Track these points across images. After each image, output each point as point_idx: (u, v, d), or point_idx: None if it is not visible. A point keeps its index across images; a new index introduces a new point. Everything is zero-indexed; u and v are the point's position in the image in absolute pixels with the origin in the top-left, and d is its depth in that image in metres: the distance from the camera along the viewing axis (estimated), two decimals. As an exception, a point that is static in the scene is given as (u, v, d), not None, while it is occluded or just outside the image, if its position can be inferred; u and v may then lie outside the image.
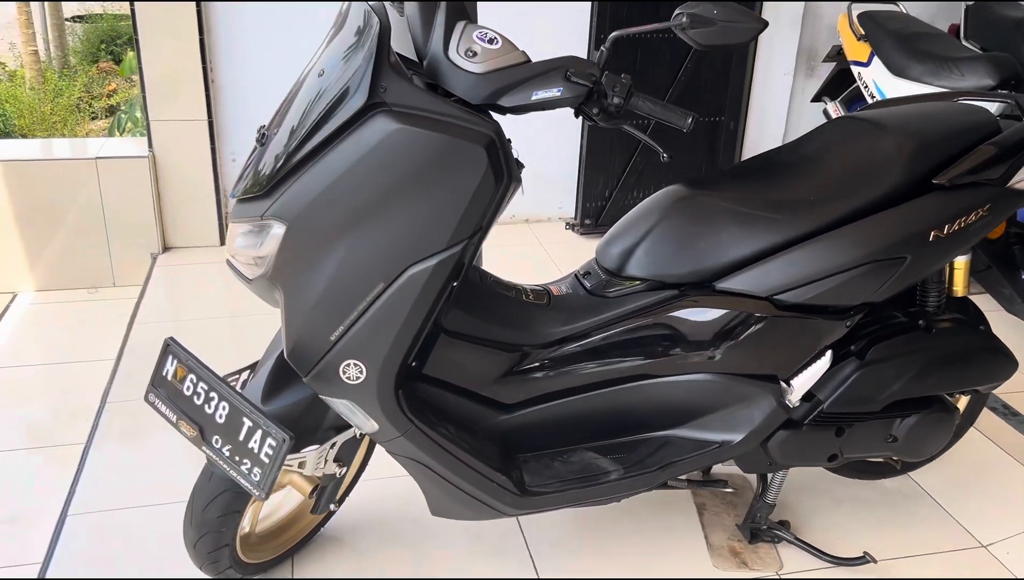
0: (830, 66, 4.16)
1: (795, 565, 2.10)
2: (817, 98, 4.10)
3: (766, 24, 1.61)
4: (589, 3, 3.80)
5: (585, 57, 1.71)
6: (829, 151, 1.95)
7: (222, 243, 3.85)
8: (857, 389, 1.90)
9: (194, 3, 3.47)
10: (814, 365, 1.88)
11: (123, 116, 4.85)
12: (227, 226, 3.83)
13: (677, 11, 1.58)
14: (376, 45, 1.48)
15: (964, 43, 3.61)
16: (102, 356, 3.06)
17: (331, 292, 1.57)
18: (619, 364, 1.86)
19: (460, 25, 1.61)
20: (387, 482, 2.27)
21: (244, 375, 1.83)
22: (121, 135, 4.82)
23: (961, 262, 2.00)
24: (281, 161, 1.56)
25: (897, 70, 3.46)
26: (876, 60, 3.53)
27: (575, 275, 1.99)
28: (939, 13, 4.31)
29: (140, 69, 3.56)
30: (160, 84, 3.56)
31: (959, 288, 2.03)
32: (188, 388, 1.63)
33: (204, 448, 1.62)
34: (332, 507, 1.92)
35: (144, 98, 3.60)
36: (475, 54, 1.57)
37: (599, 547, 2.15)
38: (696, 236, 1.85)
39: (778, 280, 1.80)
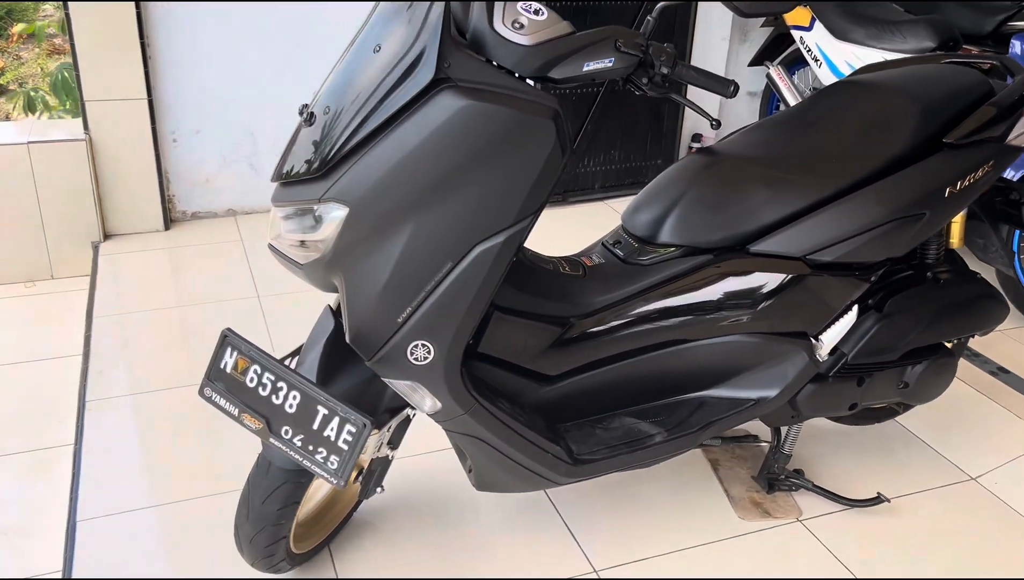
0: (763, 32, 4.30)
1: (813, 510, 2.21)
2: (755, 62, 4.22)
3: (808, -7, 1.66)
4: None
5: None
6: (841, 114, 2.03)
7: (166, 228, 3.68)
8: (877, 340, 2.01)
9: (130, -26, 3.28)
10: (842, 320, 1.97)
11: (32, 95, 4.52)
12: (173, 209, 3.68)
13: (723, -19, 1.61)
14: (443, 22, 1.45)
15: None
16: (60, 353, 2.90)
17: (398, 273, 1.54)
18: (657, 330, 1.89)
19: (501, -3, 1.59)
20: (409, 460, 2.26)
21: (290, 363, 1.77)
22: (37, 117, 4.50)
23: (958, 216, 2.13)
24: (340, 141, 1.51)
25: (840, 34, 3.61)
26: (818, 24, 3.67)
27: (603, 244, 2.01)
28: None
29: (72, 46, 3.34)
30: (94, 61, 3.34)
31: (955, 240, 2.16)
32: (252, 379, 1.57)
33: (272, 440, 1.56)
34: (379, 490, 1.90)
35: (78, 77, 3.38)
36: (522, 26, 1.55)
37: (628, 508, 2.20)
38: (727, 201, 1.89)
39: (810, 241, 1.88)
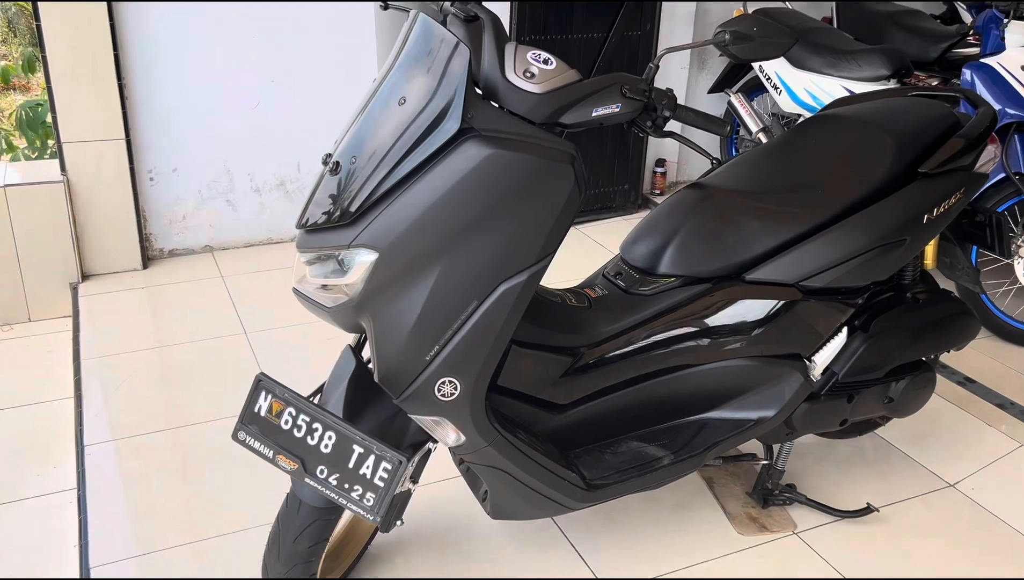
0: (722, 61, 4.47)
1: (807, 523, 2.31)
2: (714, 89, 4.39)
3: (797, 39, 1.78)
4: (508, 3, 3.89)
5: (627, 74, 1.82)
6: (822, 147, 2.15)
7: (145, 266, 3.68)
8: (865, 359, 2.13)
9: (107, 18, 3.29)
10: (832, 342, 2.09)
11: (-2, 136, 4.47)
12: (150, 247, 3.68)
13: (718, 28, 1.72)
14: (467, 75, 1.53)
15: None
16: (46, 398, 2.88)
17: (426, 314, 1.60)
18: (660, 356, 1.99)
19: (510, 47, 1.67)
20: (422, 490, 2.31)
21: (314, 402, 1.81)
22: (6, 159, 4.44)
23: (933, 239, 2.27)
24: (369, 189, 1.57)
25: (798, 63, 3.78)
26: (777, 54, 3.83)
27: (603, 275, 2.10)
28: (808, 7, 4.71)
29: (49, 88, 3.33)
30: (72, 103, 3.35)
31: (929, 261, 2.30)
32: (287, 422, 1.61)
33: (308, 480, 1.61)
34: (399, 523, 1.94)
35: (55, 119, 3.37)
36: (533, 75, 1.64)
37: (631, 528, 2.28)
38: (722, 233, 2.00)
39: (801, 268, 1.99)
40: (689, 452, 2.02)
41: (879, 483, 2.48)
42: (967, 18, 4.44)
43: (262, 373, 1.66)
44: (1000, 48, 3.19)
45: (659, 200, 4.61)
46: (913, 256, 2.15)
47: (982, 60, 3.22)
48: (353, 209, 1.59)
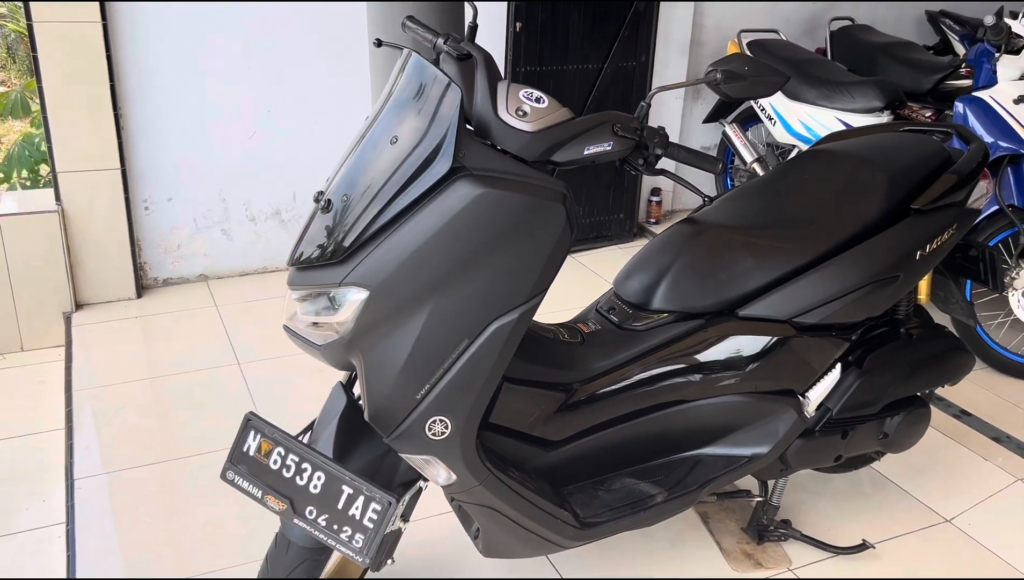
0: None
1: (802, 559, 2.29)
2: (709, 120, 4.40)
3: (788, 77, 1.79)
4: (504, 34, 3.92)
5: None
6: (814, 183, 2.16)
7: (139, 296, 3.67)
8: (859, 395, 2.12)
9: (104, 48, 3.30)
10: (826, 378, 2.08)
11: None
12: (144, 276, 3.67)
13: (710, 67, 1.73)
14: (458, 115, 1.53)
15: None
16: (38, 428, 2.86)
17: (417, 352, 1.60)
18: (654, 392, 1.98)
19: (503, 86, 1.68)
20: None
21: (303, 439, 1.80)
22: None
23: (927, 274, 2.27)
24: (360, 227, 1.57)
25: (792, 95, 3.80)
26: (771, 85, 3.85)
27: (597, 310, 2.09)
28: (801, 37, 4.75)
29: (45, 118, 3.34)
30: (67, 133, 3.35)
31: (923, 296, 2.30)
32: (275, 462, 1.60)
33: (296, 520, 1.59)
34: (390, 562, 1.92)
35: (50, 149, 3.38)
36: (525, 113, 1.64)
37: (626, 565, 2.26)
38: (715, 268, 2.00)
39: (795, 304, 1.99)
40: (683, 489, 2.00)
41: (875, 518, 2.46)
42: (960, 49, 4.47)
43: (251, 412, 1.65)
44: (992, 81, 3.21)
45: (655, 229, 4.62)
46: (907, 292, 2.14)
47: (974, 93, 3.24)
48: (344, 247, 1.59)
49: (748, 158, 3.92)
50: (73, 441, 2.70)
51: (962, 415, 2.99)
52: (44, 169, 4.49)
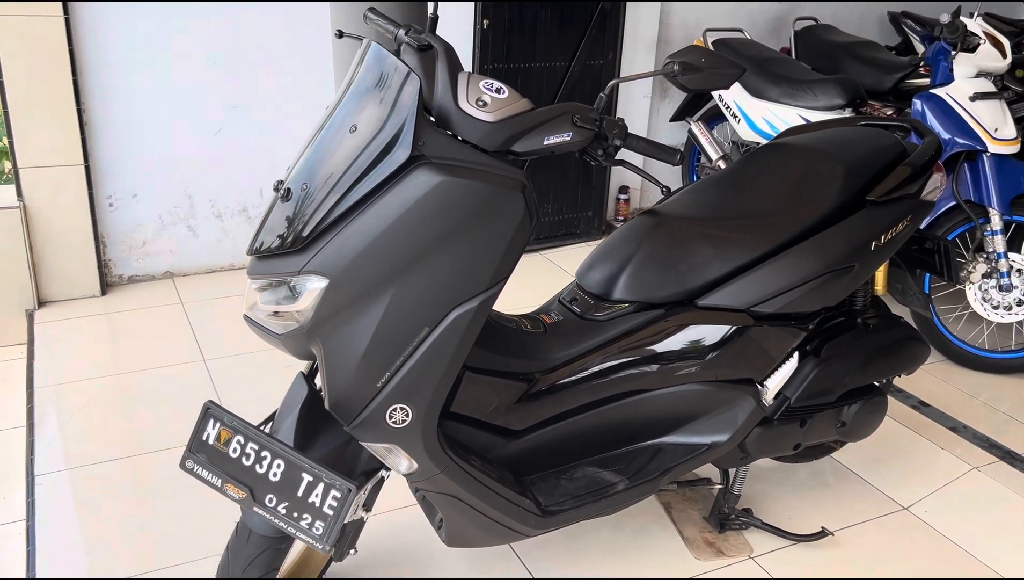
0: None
1: (763, 547, 2.33)
2: (676, 118, 4.44)
3: (744, 69, 1.81)
4: (471, 31, 3.93)
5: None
6: (772, 175, 2.19)
7: (103, 293, 3.63)
8: (817, 384, 2.15)
9: (66, 42, 3.27)
10: (784, 367, 2.11)
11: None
12: (109, 274, 3.64)
13: (667, 59, 1.75)
14: (417, 104, 1.54)
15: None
16: (-1, 426, 2.83)
17: (377, 341, 1.60)
18: (615, 381, 2.00)
19: (463, 76, 1.69)
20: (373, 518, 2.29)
21: (265, 429, 1.80)
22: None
23: (883, 265, 2.31)
24: (319, 216, 1.58)
25: (756, 92, 3.85)
26: (736, 83, 3.90)
27: (559, 301, 2.11)
28: (766, 37, 4.81)
29: (6, 113, 3.30)
30: (29, 129, 3.32)
31: (880, 287, 2.35)
32: (235, 450, 1.60)
33: (256, 509, 1.59)
34: (352, 551, 1.93)
35: (11, 145, 3.34)
36: (485, 104, 1.66)
37: (589, 554, 2.28)
38: (675, 259, 2.02)
39: (752, 294, 2.02)
40: (644, 477, 2.02)
41: (834, 507, 2.50)
42: (921, 49, 4.55)
43: (210, 401, 1.65)
44: (949, 79, 3.28)
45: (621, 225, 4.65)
46: (862, 282, 2.18)
47: (932, 91, 3.30)
48: (304, 236, 1.59)
49: (714, 156, 3.97)
50: (34, 438, 2.68)
51: (921, 406, 3.05)
52: (7, 165, 4.44)
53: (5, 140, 4.32)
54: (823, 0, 4.93)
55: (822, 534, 2.33)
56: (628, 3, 4.25)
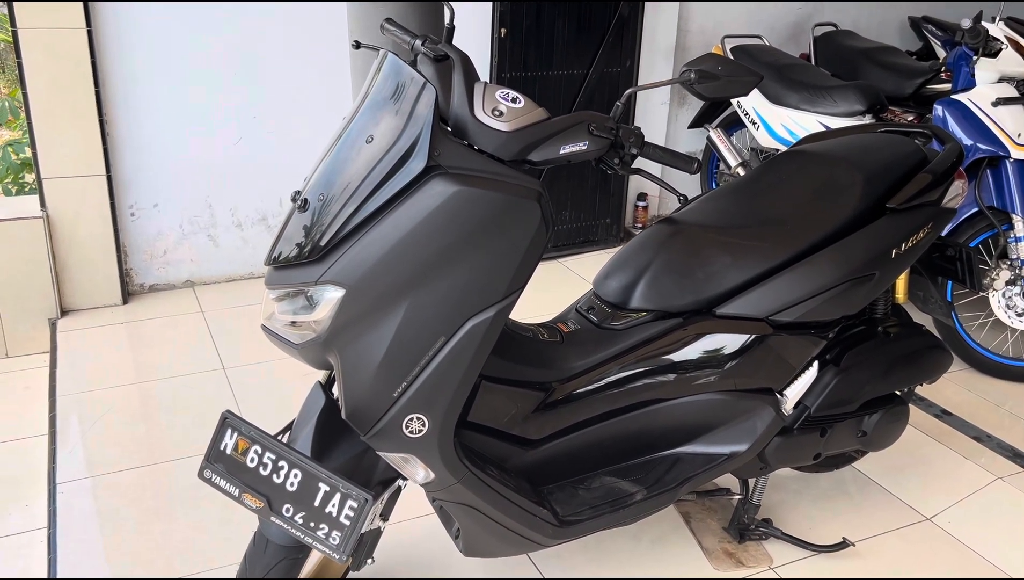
0: (702, 95, 4.51)
1: (783, 558, 2.30)
2: (694, 125, 4.43)
3: (761, 77, 1.80)
4: (489, 39, 3.94)
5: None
6: (791, 182, 2.18)
7: (124, 302, 3.67)
8: (837, 393, 2.14)
9: (88, 54, 3.31)
10: (804, 376, 2.09)
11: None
12: (130, 283, 3.68)
13: (684, 67, 1.75)
14: (433, 114, 1.55)
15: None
16: (21, 434, 2.86)
17: (393, 350, 1.60)
18: (632, 390, 1.99)
19: (479, 86, 1.70)
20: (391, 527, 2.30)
21: (283, 439, 1.81)
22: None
23: (904, 273, 2.29)
24: (336, 227, 1.58)
25: (775, 99, 3.83)
26: (755, 90, 3.89)
27: (576, 310, 2.11)
28: (785, 43, 4.79)
29: (30, 125, 3.34)
30: (52, 140, 3.36)
31: (901, 295, 2.32)
32: (252, 460, 1.60)
33: (274, 518, 1.60)
34: (370, 561, 1.93)
35: (35, 155, 3.38)
36: (501, 113, 1.66)
37: (608, 564, 2.27)
38: (693, 267, 2.01)
39: (771, 303, 2.00)
40: (662, 487, 2.01)
41: (856, 517, 2.48)
42: (942, 55, 4.51)
43: (228, 411, 1.65)
44: (971, 84, 3.24)
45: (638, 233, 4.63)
46: (883, 290, 2.16)
47: (953, 96, 3.27)
48: (321, 246, 1.60)
49: (732, 162, 3.94)
50: (56, 446, 2.70)
51: (943, 415, 3.01)
52: (29, 177, 4.49)
53: (29, 151, 4.39)
54: (843, 2, 4.90)
55: (843, 545, 2.30)
56: (646, 10, 4.24)
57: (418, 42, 1.78)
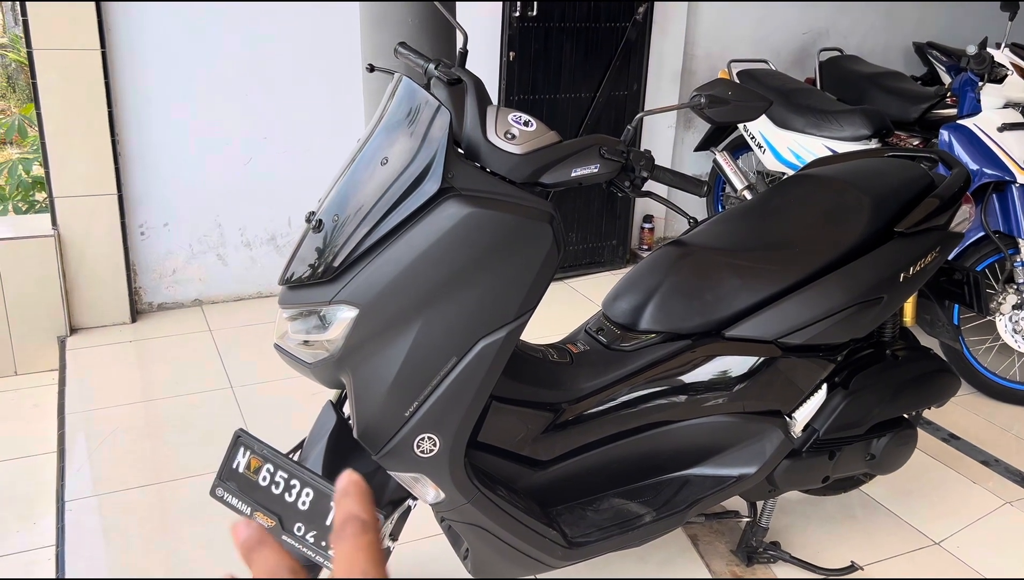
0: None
1: (792, 581, 2.30)
2: (700, 148, 4.46)
3: (771, 102, 1.83)
4: (498, 63, 3.98)
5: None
6: (799, 206, 2.19)
7: (133, 320, 3.68)
8: (845, 416, 2.14)
9: (102, 74, 3.35)
10: (812, 398, 2.10)
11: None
12: (139, 301, 3.69)
13: (694, 92, 1.77)
14: (447, 137, 1.57)
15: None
16: (29, 452, 2.86)
17: (405, 370, 1.62)
18: (641, 412, 1.99)
19: (492, 109, 1.72)
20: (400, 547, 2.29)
21: (294, 458, 1.81)
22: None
23: (911, 296, 2.30)
24: (350, 247, 1.60)
25: (781, 123, 3.86)
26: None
27: (585, 331, 2.12)
28: (791, 68, 4.82)
29: (43, 144, 3.38)
30: (64, 159, 3.39)
31: (908, 318, 2.33)
32: (264, 479, 1.61)
33: (285, 537, 1.60)
34: (379, 582, 1.93)
35: (48, 174, 3.41)
36: (514, 136, 1.68)
37: (615, 588, 2.26)
38: (702, 290, 2.03)
39: (780, 325, 2.01)
40: (671, 509, 2.01)
41: (864, 540, 2.47)
42: (947, 80, 4.54)
43: (241, 429, 1.67)
44: (976, 110, 3.27)
45: (647, 256, 4.65)
46: (891, 314, 2.17)
47: (959, 122, 3.29)
48: (335, 266, 1.61)
49: (739, 185, 3.94)
50: (65, 464, 2.71)
51: (951, 439, 3.01)
52: (39, 195, 4.53)
53: (37, 168, 4.43)
54: (848, 27, 4.94)
55: (851, 568, 2.30)
56: (653, 35, 4.28)
57: (431, 66, 1.80)
